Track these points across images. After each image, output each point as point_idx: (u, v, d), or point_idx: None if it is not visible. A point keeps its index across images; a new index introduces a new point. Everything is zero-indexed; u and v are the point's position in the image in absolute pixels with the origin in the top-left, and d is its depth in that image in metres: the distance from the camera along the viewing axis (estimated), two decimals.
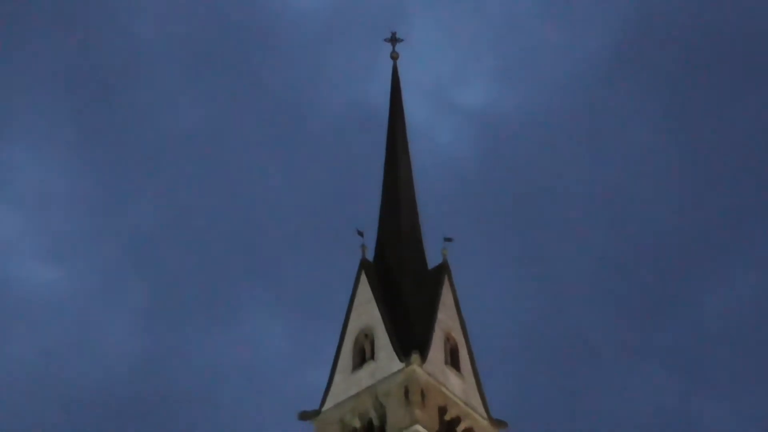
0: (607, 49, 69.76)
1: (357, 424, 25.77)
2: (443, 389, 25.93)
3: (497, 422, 26.96)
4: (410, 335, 26.64)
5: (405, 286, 28.97)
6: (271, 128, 73.10)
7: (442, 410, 25.55)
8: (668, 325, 64.80)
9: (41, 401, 65.03)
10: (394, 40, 34.47)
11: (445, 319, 27.88)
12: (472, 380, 27.52)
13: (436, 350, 26.64)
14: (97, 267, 72.24)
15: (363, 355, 27.12)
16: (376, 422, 25.55)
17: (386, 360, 26.15)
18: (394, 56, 34.49)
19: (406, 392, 24.93)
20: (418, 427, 24.03)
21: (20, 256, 70.04)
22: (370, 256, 29.52)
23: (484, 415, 26.90)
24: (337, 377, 27.24)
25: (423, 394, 25.00)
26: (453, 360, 27.32)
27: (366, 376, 26.40)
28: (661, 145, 67.18)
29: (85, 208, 71.60)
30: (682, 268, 67.70)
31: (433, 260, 30.18)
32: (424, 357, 25.54)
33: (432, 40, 70.88)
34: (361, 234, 29.47)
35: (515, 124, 70.35)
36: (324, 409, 26.68)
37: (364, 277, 28.46)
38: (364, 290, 28.23)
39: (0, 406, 62.33)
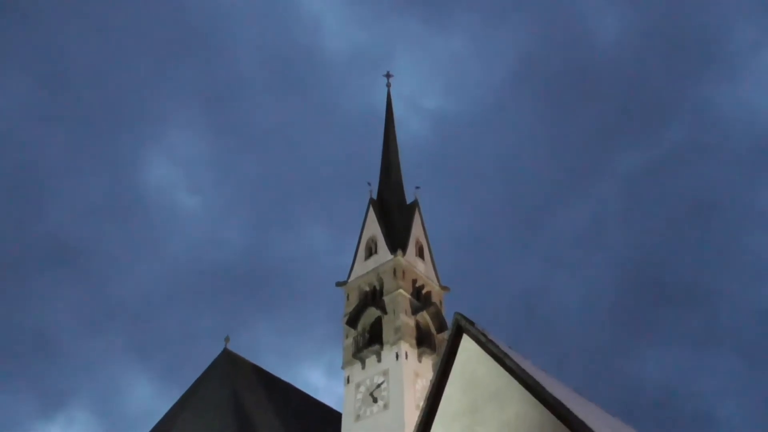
0: (512, 75, 78.48)
1: (367, 288, 29.61)
2: (414, 270, 29.90)
3: (444, 287, 30.88)
4: (396, 240, 30.38)
5: (393, 213, 32.37)
6: (316, 120, 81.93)
7: (414, 282, 29.58)
8: (541, 229, 73.72)
9: (188, 271, 74.60)
10: (388, 75, 37.74)
11: (416, 231, 31.63)
12: (431, 265, 31.37)
13: (411, 249, 30.50)
14: (222, 196, 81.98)
15: (371, 251, 30.69)
16: (377, 288, 29.32)
17: (383, 254, 29.94)
18: (388, 85, 37.52)
19: (394, 272, 28.94)
20: (401, 290, 28.24)
21: (175, 189, 78.33)
22: (374, 196, 33.22)
23: (437, 283, 30.84)
24: (356, 263, 30.98)
25: (403, 273, 29.01)
26: (420, 254, 31.04)
27: (372, 262, 30.16)
28: (538, 130, 75.77)
29: (215, 162, 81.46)
30: (548, 195, 77.55)
31: (410, 198, 33.92)
32: (404, 252, 29.70)
33: (409, 72, 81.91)
34: (369, 184, 33.61)
35: (457, 118, 78.66)
36: (349, 280, 30.46)
37: (371, 209, 32.18)
38: (371, 216, 31.83)
39: (173, 280, 72.52)
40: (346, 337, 28.67)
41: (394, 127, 36.35)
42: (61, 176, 74.22)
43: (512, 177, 74.81)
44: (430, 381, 14.75)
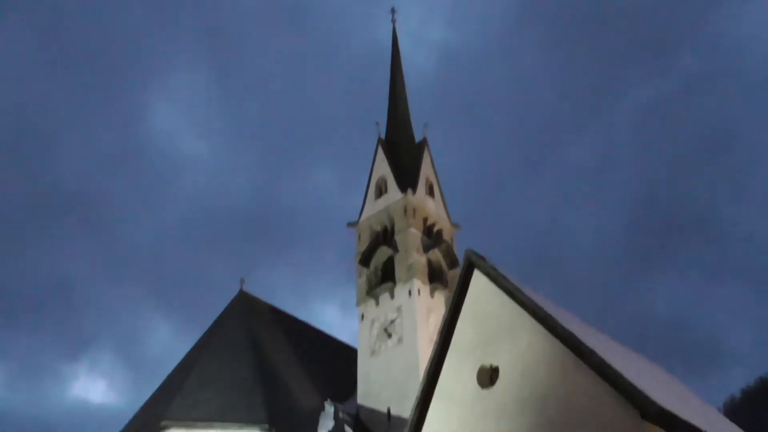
0: (520, 4, 75.66)
1: (378, 228, 29.72)
2: (425, 208, 29.84)
3: (455, 225, 30.99)
4: (406, 179, 30.27)
5: (402, 152, 32.23)
6: (321, 59, 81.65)
7: (425, 220, 29.56)
8: (551, 163, 73.91)
9: (199, 216, 75.95)
10: (393, 11, 36.55)
11: (426, 169, 31.51)
12: (441, 203, 31.35)
13: (421, 187, 30.41)
14: (227, 140, 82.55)
15: (381, 191, 30.71)
16: (388, 227, 29.46)
17: (393, 193, 29.93)
18: (394, 21, 36.49)
19: (405, 210, 28.88)
20: (412, 229, 28.24)
21: (180, 134, 78.97)
22: (382, 135, 32.96)
23: (447, 221, 30.87)
24: (367, 203, 31.04)
25: (414, 211, 28.95)
26: (430, 192, 30.99)
27: (382, 202, 30.21)
28: (548, 62, 74.62)
29: (219, 106, 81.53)
30: (558, 128, 77.42)
31: (419, 136, 33.61)
32: (414, 191, 29.60)
33: (413, 8, 78.06)
34: (377, 123, 33.24)
35: (462, 52, 77.10)
36: (360, 220, 30.59)
37: (380, 148, 32.03)
38: (381, 155, 31.73)
39: (185, 225, 74.14)
40: (359, 275, 28.93)
41: (400, 64, 35.57)
42: (66, 125, 74.53)
43: (521, 110, 74.47)
44: (443, 316, 15.02)
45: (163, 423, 21.82)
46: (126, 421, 24.35)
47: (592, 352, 11.52)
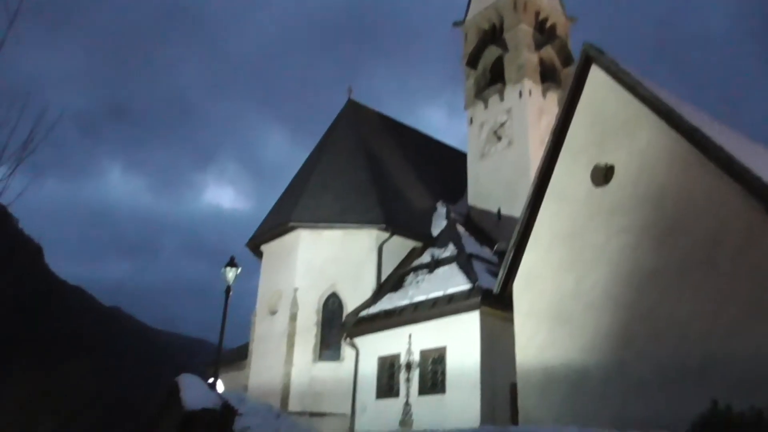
0: None
1: (486, 26, 28.36)
2: (536, 1, 27.57)
3: (570, 18, 28.91)
4: None
5: None
6: None
7: (537, 14, 27.65)
8: None
9: (299, 23, 75.60)
10: None
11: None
12: None
13: None
14: None
15: None
16: (497, 25, 27.96)
17: None
18: None
19: (515, 5, 26.95)
20: (522, 25, 26.65)
21: None
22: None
23: (562, 14, 28.78)
24: None
25: (525, 5, 26.98)
26: None
27: None
28: None
29: None
30: None
31: None
32: None
33: None
34: None
35: None
36: (467, 18, 29.25)
37: None
38: None
39: (285, 34, 74.50)
40: (467, 78, 28.21)
41: None
42: None
43: None
44: (556, 116, 14.75)
45: (290, 224, 23.99)
46: (257, 224, 26.95)
47: (719, 148, 11.05)
